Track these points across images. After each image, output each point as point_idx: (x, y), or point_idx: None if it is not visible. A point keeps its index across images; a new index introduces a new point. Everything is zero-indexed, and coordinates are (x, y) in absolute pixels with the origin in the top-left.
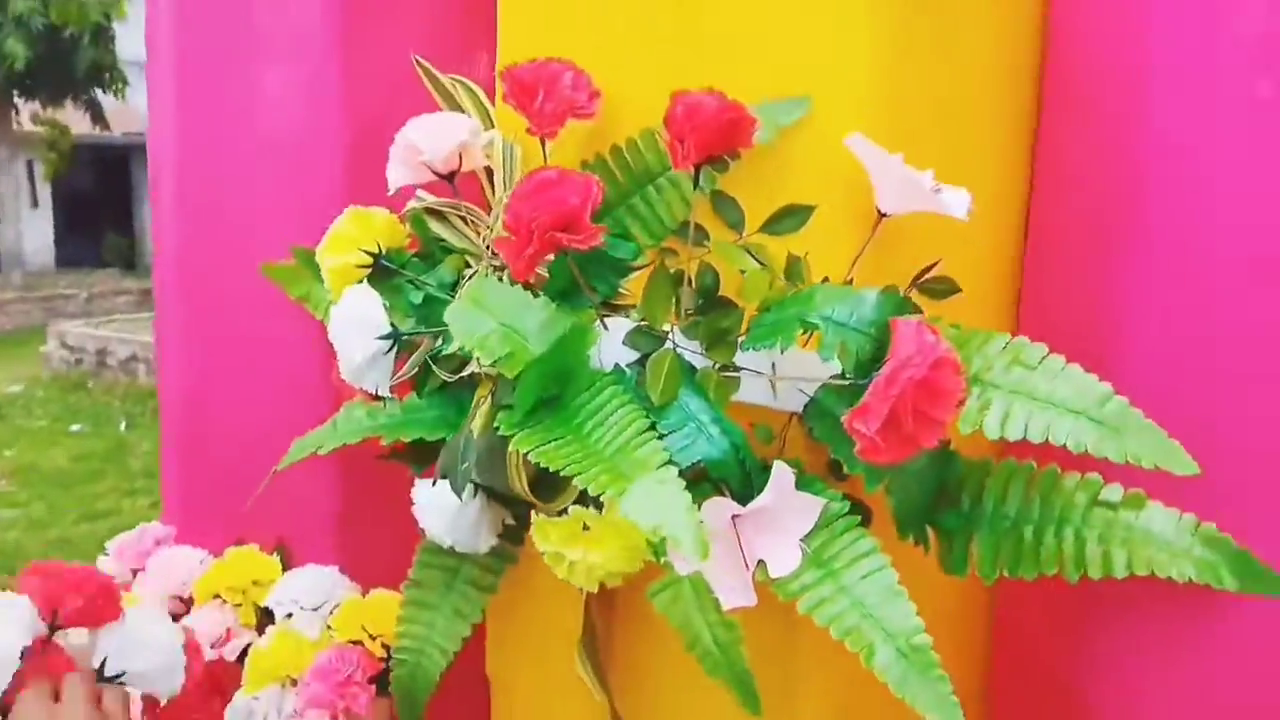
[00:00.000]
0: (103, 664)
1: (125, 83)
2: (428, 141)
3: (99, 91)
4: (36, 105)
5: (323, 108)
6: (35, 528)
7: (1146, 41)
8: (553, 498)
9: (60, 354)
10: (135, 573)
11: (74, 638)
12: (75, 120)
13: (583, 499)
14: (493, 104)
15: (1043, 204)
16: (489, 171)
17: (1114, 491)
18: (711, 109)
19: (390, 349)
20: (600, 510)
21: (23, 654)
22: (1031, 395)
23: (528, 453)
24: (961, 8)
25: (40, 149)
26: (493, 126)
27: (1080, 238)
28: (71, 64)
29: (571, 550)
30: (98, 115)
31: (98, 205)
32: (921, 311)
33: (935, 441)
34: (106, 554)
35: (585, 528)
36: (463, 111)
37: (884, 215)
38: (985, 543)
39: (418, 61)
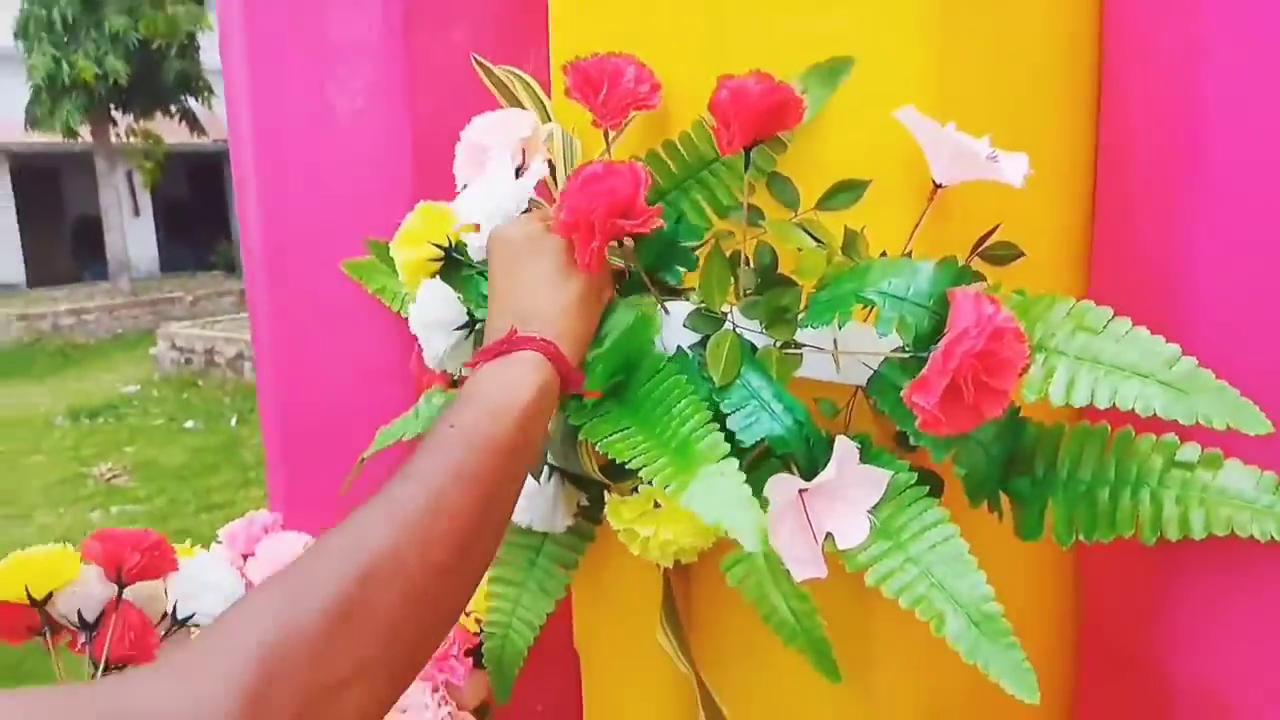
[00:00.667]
0: (174, 609)
1: (211, 91)
2: (491, 139)
3: (189, 100)
4: (130, 118)
5: (389, 109)
6: (157, 520)
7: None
8: (624, 478)
9: (170, 355)
10: (246, 558)
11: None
12: (167, 130)
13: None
14: (548, 97)
15: (1109, 164)
16: (550, 164)
17: (1191, 451)
18: (755, 92)
19: (468, 337)
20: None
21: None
22: (1097, 360)
23: (596, 442)
24: None
25: (137, 159)
26: (550, 119)
27: (1147, 196)
28: (161, 76)
29: (644, 528)
30: (194, 123)
31: (196, 210)
32: (983, 280)
33: (999, 411)
34: (219, 541)
35: (656, 505)
36: (519, 105)
37: (939, 186)
38: (1060, 507)
39: (475, 59)
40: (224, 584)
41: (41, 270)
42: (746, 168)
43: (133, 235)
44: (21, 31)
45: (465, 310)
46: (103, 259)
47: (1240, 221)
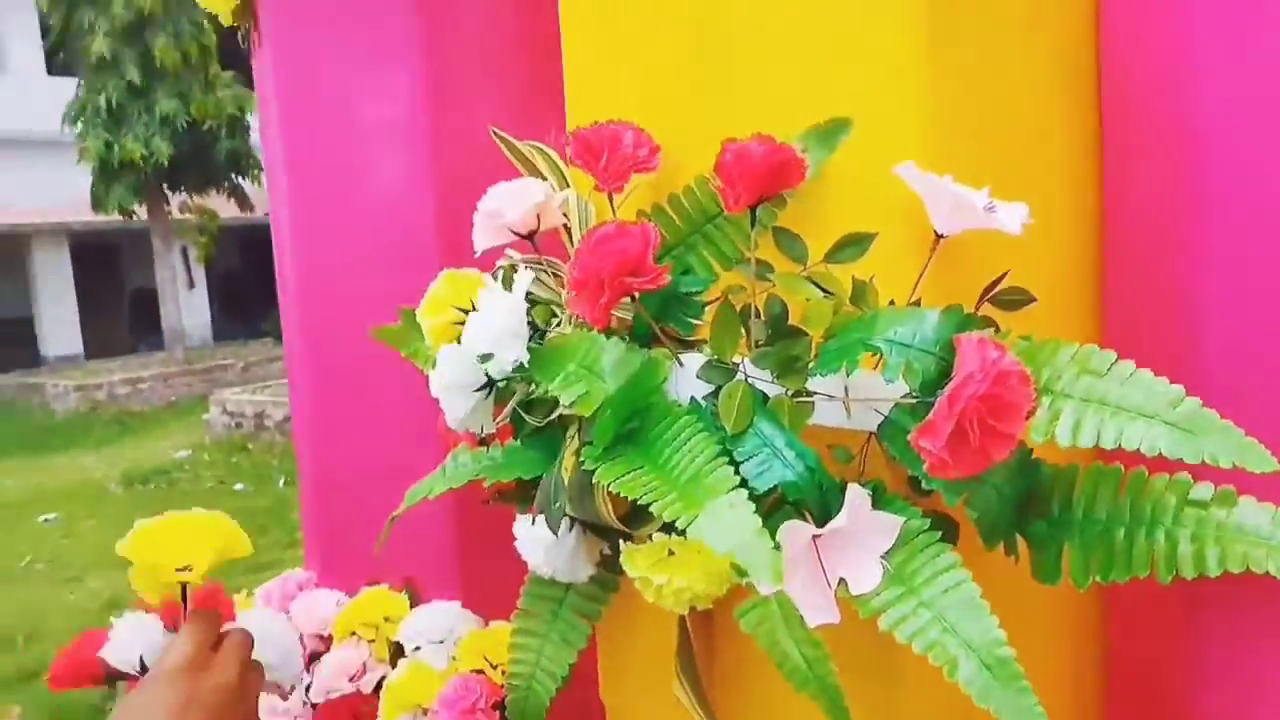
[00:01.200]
0: None
1: (260, 168)
2: (506, 206)
3: (238, 178)
4: (184, 195)
5: (416, 185)
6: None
7: (1197, 36)
8: (642, 525)
9: (221, 420)
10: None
11: None
12: (219, 206)
13: (668, 526)
14: (567, 166)
15: (1115, 208)
16: (568, 229)
17: (1204, 490)
18: (759, 154)
19: (488, 397)
20: (684, 536)
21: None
22: (1102, 401)
23: (609, 484)
24: (1010, 24)
25: (191, 234)
26: (568, 186)
27: (1154, 237)
28: (212, 155)
29: (658, 575)
30: (242, 199)
31: (247, 281)
32: (991, 326)
33: (1006, 454)
34: (256, 600)
35: (670, 553)
36: (540, 175)
37: (941, 236)
38: (1077, 548)
39: (495, 133)
40: (279, 635)
41: (99, 342)
42: (753, 225)
43: (187, 307)
44: (75, 116)
45: (484, 372)
46: (158, 330)
47: (1249, 256)
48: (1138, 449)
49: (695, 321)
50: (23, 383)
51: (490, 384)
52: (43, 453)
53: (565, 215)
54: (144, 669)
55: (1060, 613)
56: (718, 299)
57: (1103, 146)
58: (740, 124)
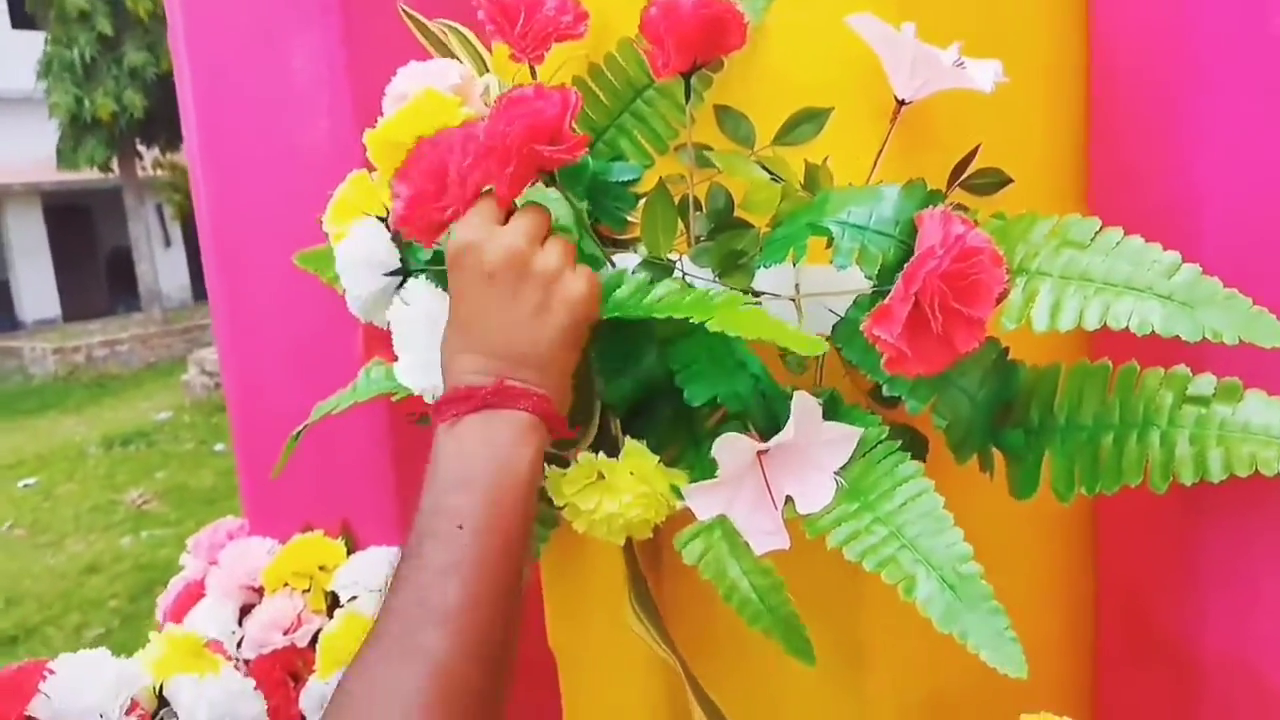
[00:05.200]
0: None
1: None
2: (416, 89)
3: None
4: (156, 152)
5: (327, 82)
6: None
7: None
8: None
9: (200, 380)
10: (210, 565)
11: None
12: None
13: (597, 446)
14: (489, 52)
15: (1103, 72)
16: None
17: (1205, 383)
18: (689, 8)
19: (400, 285)
20: (615, 456)
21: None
22: (1085, 277)
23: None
24: None
25: (166, 192)
26: (488, 72)
27: (1146, 107)
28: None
29: (586, 500)
30: None
31: None
32: (961, 207)
33: (974, 344)
34: (188, 551)
35: (600, 476)
36: (455, 58)
37: (903, 103)
38: (1060, 456)
39: (405, 11)
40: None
41: (76, 304)
42: (688, 97)
43: (164, 266)
44: (44, 71)
45: (399, 258)
46: (136, 291)
47: (1248, 127)
48: (1126, 326)
49: (628, 216)
50: (0, 346)
51: (405, 271)
52: (21, 416)
53: (486, 105)
54: None
55: (1043, 535)
56: (652, 191)
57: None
58: None
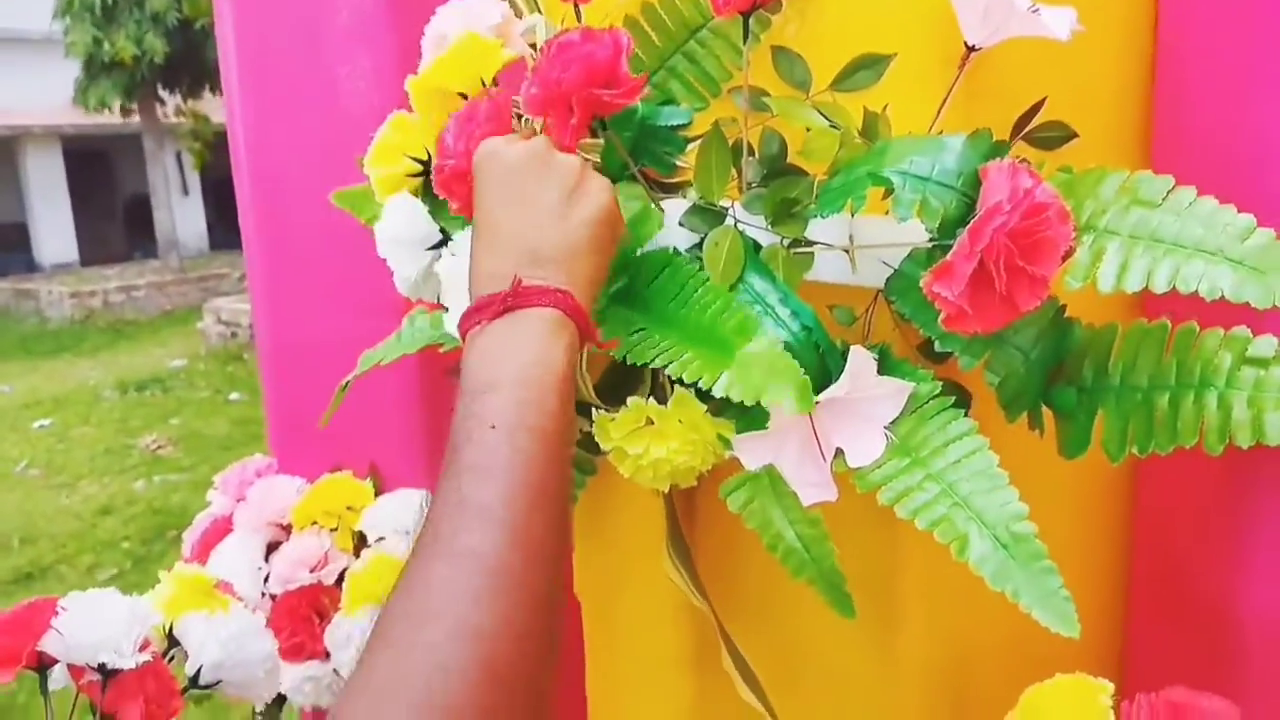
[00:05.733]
0: None
1: None
2: (455, 30)
3: None
4: (177, 98)
5: (369, 16)
6: (200, 489)
7: None
8: (621, 401)
9: (216, 329)
10: (239, 502)
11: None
12: (215, 110)
13: (647, 392)
14: None
15: (1172, 34)
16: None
17: (1266, 345)
18: None
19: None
20: (663, 403)
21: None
22: (1155, 237)
23: (620, 353)
24: None
25: (186, 139)
26: (538, 10)
27: (1219, 71)
28: (204, 55)
29: (633, 445)
30: None
31: None
32: (1024, 161)
33: (1036, 302)
34: (216, 487)
35: (649, 421)
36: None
37: (972, 49)
38: (1113, 417)
39: None
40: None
41: (94, 249)
42: (745, 38)
43: (182, 214)
44: (64, 11)
45: (439, 228)
46: (153, 238)
47: None
48: (1196, 290)
49: (677, 161)
50: (18, 289)
51: (444, 240)
52: (37, 358)
53: (533, 47)
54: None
55: (1081, 496)
56: (704, 135)
57: None
58: None
